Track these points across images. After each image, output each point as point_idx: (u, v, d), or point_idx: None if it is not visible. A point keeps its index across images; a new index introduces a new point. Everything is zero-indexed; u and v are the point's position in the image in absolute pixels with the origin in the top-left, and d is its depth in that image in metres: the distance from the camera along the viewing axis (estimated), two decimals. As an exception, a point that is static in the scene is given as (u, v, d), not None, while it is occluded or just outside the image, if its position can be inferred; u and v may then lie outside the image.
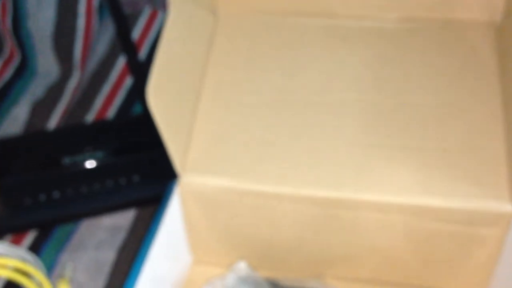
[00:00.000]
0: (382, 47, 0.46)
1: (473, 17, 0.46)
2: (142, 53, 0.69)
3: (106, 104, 0.65)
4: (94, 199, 0.52)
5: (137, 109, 0.64)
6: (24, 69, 0.70)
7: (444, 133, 0.42)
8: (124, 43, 0.57)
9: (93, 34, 0.70)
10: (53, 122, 0.63)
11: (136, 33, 0.72)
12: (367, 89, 0.44)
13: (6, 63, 0.70)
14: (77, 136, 0.59)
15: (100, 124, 0.62)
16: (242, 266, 0.43)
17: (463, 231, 0.40)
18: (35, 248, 0.50)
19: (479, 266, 0.42)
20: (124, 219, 0.51)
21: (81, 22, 0.69)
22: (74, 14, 0.69)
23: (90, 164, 0.54)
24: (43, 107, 0.64)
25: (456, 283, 0.44)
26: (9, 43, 0.70)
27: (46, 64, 0.69)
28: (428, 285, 0.44)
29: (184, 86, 0.44)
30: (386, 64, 0.45)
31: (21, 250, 0.40)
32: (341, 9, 0.47)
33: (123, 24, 0.55)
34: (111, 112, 0.64)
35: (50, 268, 0.48)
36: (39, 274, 0.40)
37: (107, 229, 0.50)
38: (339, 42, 0.47)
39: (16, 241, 0.51)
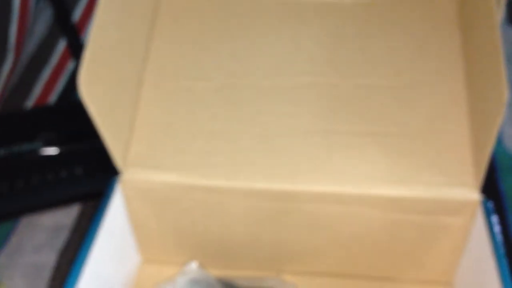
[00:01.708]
0: (339, 25, 0.42)
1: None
2: (85, 35, 0.64)
3: (46, 90, 0.60)
4: (32, 194, 0.48)
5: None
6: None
7: (406, 117, 0.39)
8: (64, 24, 0.52)
9: (30, 14, 0.65)
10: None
11: (78, 11, 0.67)
12: (323, 70, 0.41)
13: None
14: (12, 124, 0.54)
15: (39, 111, 0.57)
16: (193, 267, 0.40)
17: (427, 221, 0.38)
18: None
19: (444, 256, 0.40)
20: (66, 217, 0.47)
21: (16, 2, 0.63)
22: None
23: (28, 156, 0.50)
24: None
25: (421, 274, 0.41)
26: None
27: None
28: (393, 276, 0.42)
29: (123, 72, 0.40)
30: (344, 43, 0.42)
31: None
32: (293, -17, 0.44)
33: (62, 5, 0.51)
34: (52, 98, 0.59)
35: (-15, 275, 0.44)
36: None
37: (48, 229, 0.46)
38: (294, 20, 0.43)
39: None
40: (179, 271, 0.41)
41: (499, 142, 0.51)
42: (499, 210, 0.46)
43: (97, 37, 0.36)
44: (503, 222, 0.45)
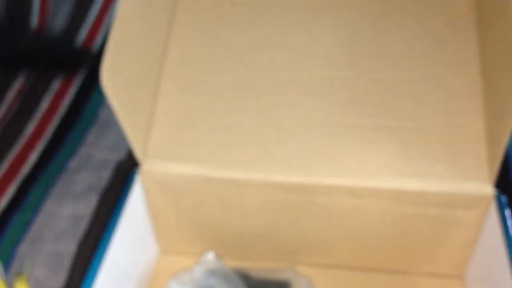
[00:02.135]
0: (354, 19, 0.43)
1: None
2: (104, 25, 0.65)
3: (66, 83, 0.61)
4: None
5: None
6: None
7: (421, 111, 0.40)
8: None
9: (50, 9, 0.66)
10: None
11: (97, 5, 0.68)
12: (339, 64, 0.41)
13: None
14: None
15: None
16: (210, 258, 0.41)
17: (441, 214, 0.38)
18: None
19: (456, 250, 0.40)
20: (86, 207, 0.48)
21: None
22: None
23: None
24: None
25: (433, 267, 0.42)
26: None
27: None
28: (405, 269, 0.43)
29: (143, 65, 0.41)
30: (359, 37, 0.42)
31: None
32: (311, -21, 0.44)
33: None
34: (72, 90, 0.60)
35: (6, 262, 0.45)
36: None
37: (68, 218, 0.48)
38: (309, 14, 0.43)
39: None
40: (196, 261, 0.42)
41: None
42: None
43: (119, 30, 0.36)
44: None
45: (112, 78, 0.35)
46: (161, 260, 0.44)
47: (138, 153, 0.39)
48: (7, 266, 0.45)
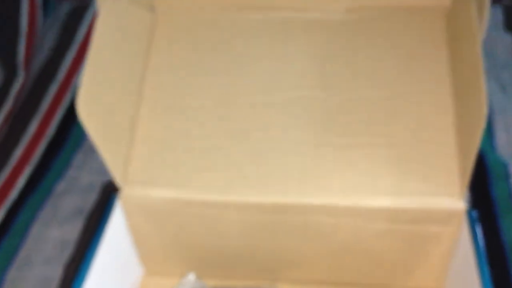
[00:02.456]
0: (327, 41, 0.44)
1: (422, 3, 0.45)
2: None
3: (53, 105, 0.62)
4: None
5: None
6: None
7: (393, 128, 0.40)
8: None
9: (37, 32, 0.67)
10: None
11: (84, 28, 0.69)
12: (313, 86, 0.42)
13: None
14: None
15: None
16: (190, 279, 0.42)
17: (415, 230, 0.39)
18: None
19: (433, 264, 0.41)
20: (71, 231, 0.49)
21: (23, 20, 0.66)
22: (16, 11, 0.66)
23: None
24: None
25: (412, 281, 0.43)
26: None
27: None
28: (383, 283, 0.43)
29: (121, 92, 0.42)
30: (332, 59, 0.43)
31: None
32: (284, 1, 0.45)
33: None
34: (59, 114, 0.61)
35: (-4, 287, 0.46)
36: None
37: (55, 242, 0.48)
38: (284, 37, 0.44)
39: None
40: (179, 282, 0.43)
41: (492, 149, 0.52)
42: (491, 217, 0.47)
43: (94, 59, 0.38)
44: (494, 229, 0.46)
45: (89, 108, 0.36)
46: (145, 281, 0.45)
47: (118, 179, 0.40)
48: (-5, 292, 0.46)
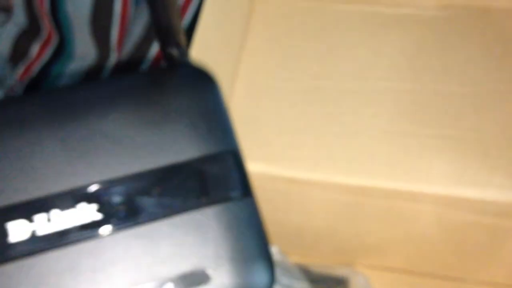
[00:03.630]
0: (419, 35, 0.45)
1: (514, 5, 0.45)
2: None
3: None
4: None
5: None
6: (62, 51, 0.71)
7: (481, 123, 0.41)
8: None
9: (129, 18, 0.71)
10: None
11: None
12: (402, 78, 0.44)
13: (45, 44, 0.72)
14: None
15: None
16: (274, 251, 0.44)
17: (497, 223, 0.40)
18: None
19: (509, 257, 0.41)
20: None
21: (117, 6, 0.70)
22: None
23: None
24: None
25: (490, 276, 0.43)
26: (47, 26, 0.71)
27: (84, 46, 0.70)
28: (460, 276, 0.44)
29: (220, 70, 0.44)
30: (423, 52, 0.44)
31: None
32: (378, -5, 0.47)
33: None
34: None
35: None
36: None
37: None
38: (376, 29, 0.46)
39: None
40: (258, 255, 0.45)
41: None
42: None
43: (201, 38, 0.40)
44: None
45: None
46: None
47: (212, 151, 0.42)
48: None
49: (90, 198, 0.30)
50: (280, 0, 0.48)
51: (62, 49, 0.71)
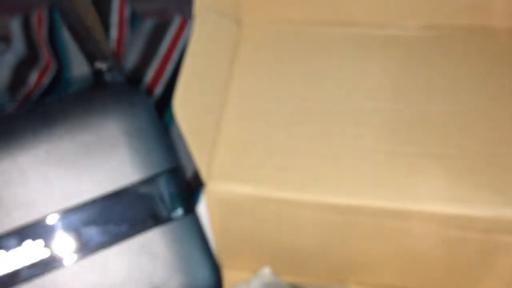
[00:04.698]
0: (403, 55, 0.46)
1: (497, 24, 0.46)
2: (172, 61, 0.71)
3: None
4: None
5: (168, 116, 0.66)
6: (61, 78, 0.73)
7: (466, 140, 0.42)
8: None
9: (125, 43, 0.73)
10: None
11: (166, 42, 0.74)
12: (387, 98, 0.45)
13: (43, 72, 0.73)
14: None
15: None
16: (266, 272, 0.45)
17: (486, 239, 0.40)
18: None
19: (502, 274, 0.42)
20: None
21: (113, 32, 0.72)
22: (107, 25, 0.72)
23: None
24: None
25: (480, 290, 0.44)
26: (46, 53, 0.73)
27: (81, 73, 0.72)
28: (451, 291, 0.44)
29: (209, 96, 0.45)
30: (408, 73, 0.45)
31: None
32: (362, 17, 0.48)
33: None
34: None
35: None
36: None
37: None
38: (361, 51, 0.47)
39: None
40: (253, 276, 0.46)
41: None
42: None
43: (190, 65, 0.41)
44: None
45: (183, 107, 0.40)
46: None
47: (203, 174, 0.43)
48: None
49: (35, 235, 0.30)
50: (267, 25, 0.49)
51: (61, 76, 0.72)
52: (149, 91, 0.70)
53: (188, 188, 0.37)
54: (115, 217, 0.32)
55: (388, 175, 0.42)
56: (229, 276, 0.48)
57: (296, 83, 0.47)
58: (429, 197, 0.40)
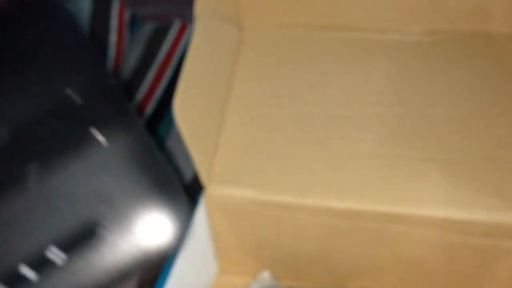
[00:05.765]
0: (405, 60, 0.46)
1: (498, 30, 0.46)
2: (172, 66, 0.71)
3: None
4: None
5: (168, 120, 0.65)
6: None
7: (468, 146, 0.42)
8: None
9: (125, 48, 0.73)
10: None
11: (165, 47, 0.74)
12: (389, 103, 0.44)
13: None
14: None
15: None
16: (265, 276, 0.44)
17: (487, 243, 0.40)
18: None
19: (503, 279, 0.42)
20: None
21: (113, 36, 0.71)
22: (106, 29, 0.72)
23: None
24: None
25: (480, 296, 0.43)
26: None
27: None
28: (451, 297, 0.44)
29: (210, 99, 0.45)
30: (409, 77, 0.45)
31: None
32: (364, 22, 0.48)
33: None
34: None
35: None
36: None
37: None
38: (362, 55, 0.47)
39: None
40: (252, 280, 0.45)
41: None
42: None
43: (190, 68, 0.41)
44: None
45: (183, 110, 0.40)
46: (220, 278, 0.48)
47: (203, 178, 0.43)
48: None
49: None
50: (269, 30, 0.49)
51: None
52: (149, 94, 0.69)
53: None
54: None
55: (390, 179, 0.41)
56: (228, 281, 0.48)
57: (297, 88, 0.46)
58: (431, 202, 0.40)
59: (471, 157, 0.41)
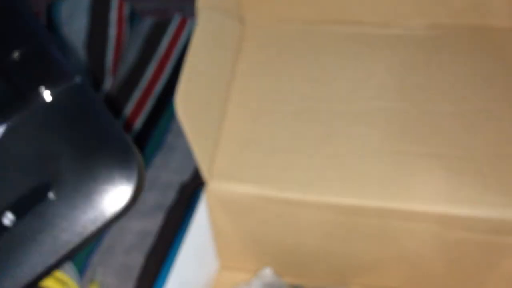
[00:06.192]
0: (408, 55, 0.46)
1: (502, 24, 0.46)
2: (172, 60, 0.71)
3: (136, 111, 0.67)
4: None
5: (168, 114, 0.65)
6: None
7: (471, 141, 0.42)
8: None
9: (124, 42, 0.72)
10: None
11: (165, 41, 0.74)
12: (393, 97, 0.44)
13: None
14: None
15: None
16: (267, 273, 0.44)
17: (490, 240, 0.40)
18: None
19: (506, 276, 0.42)
20: (152, 223, 0.52)
21: (112, 30, 0.71)
22: (105, 23, 0.71)
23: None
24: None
25: (483, 293, 0.43)
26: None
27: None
28: (454, 294, 0.44)
29: (211, 94, 0.45)
30: (413, 72, 0.45)
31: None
32: (367, 16, 0.47)
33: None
34: (140, 119, 0.65)
35: (81, 270, 0.49)
36: (70, 280, 0.41)
37: (136, 233, 0.52)
38: (365, 50, 0.47)
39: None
40: (253, 276, 0.45)
41: None
42: None
43: (192, 62, 0.41)
44: None
45: (184, 104, 0.39)
46: (221, 274, 0.47)
47: (204, 173, 0.43)
48: (81, 274, 0.49)
49: None
50: (271, 24, 0.49)
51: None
52: (149, 89, 0.69)
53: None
54: None
55: (393, 175, 0.41)
56: (229, 277, 0.47)
57: (299, 82, 0.46)
58: (434, 198, 0.40)
59: (475, 153, 0.41)
